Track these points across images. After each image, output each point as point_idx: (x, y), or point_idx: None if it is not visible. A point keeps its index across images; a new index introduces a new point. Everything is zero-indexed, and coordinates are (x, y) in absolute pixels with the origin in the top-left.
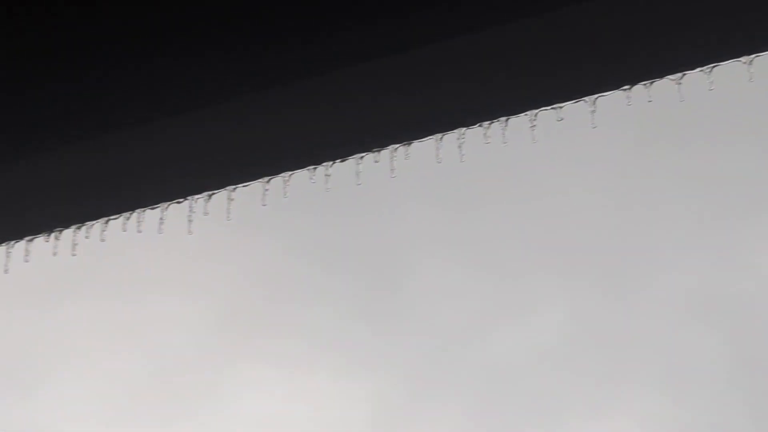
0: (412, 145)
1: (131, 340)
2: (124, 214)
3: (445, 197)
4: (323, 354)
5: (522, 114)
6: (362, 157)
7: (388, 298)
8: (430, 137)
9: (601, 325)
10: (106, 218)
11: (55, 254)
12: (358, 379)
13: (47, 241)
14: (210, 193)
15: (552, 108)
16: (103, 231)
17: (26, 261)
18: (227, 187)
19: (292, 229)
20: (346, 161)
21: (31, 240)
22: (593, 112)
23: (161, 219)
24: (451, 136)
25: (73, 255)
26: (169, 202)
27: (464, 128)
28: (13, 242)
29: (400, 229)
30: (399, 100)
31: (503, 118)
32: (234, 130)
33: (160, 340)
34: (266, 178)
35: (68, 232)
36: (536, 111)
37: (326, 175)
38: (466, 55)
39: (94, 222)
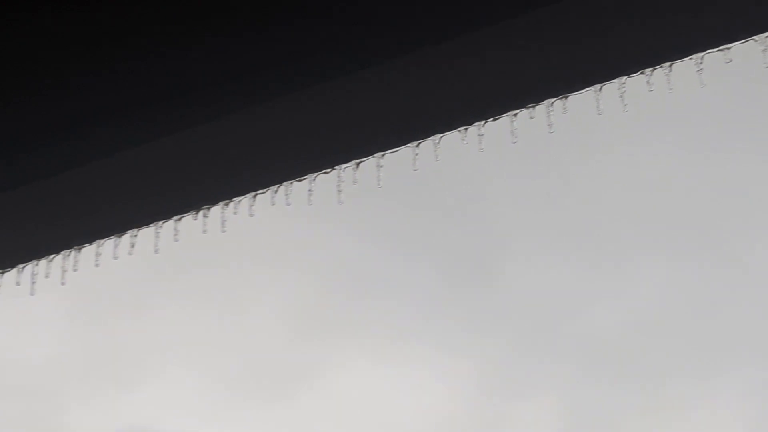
0: (499, 120)
1: (226, 332)
2: (206, 207)
3: (535, 171)
4: (420, 335)
5: (612, 81)
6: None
7: (482, 274)
8: (511, 113)
9: (699, 294)
10: (195, 211)
11: (156, 251)
12: (456, 359)
13: (131, 239)
14: (296, 180)
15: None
16: (175, 227)
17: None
18: (333, 167)
19: (383, 211)
20: (442, 137)
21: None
22: (668, 81)
23: (242, 210)
24: (540, 109)
25: (176, 241)
26: (241, 197)
27: (551, 99)
28: (116, 236)
29: (491, 206)
30: (487, 75)
31: (591, 88)
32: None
33: (255, 329)
34: (356, 161)
35: (166, 225)
36: (626, 78)
37: (416, 153)
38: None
39: (183, 215)
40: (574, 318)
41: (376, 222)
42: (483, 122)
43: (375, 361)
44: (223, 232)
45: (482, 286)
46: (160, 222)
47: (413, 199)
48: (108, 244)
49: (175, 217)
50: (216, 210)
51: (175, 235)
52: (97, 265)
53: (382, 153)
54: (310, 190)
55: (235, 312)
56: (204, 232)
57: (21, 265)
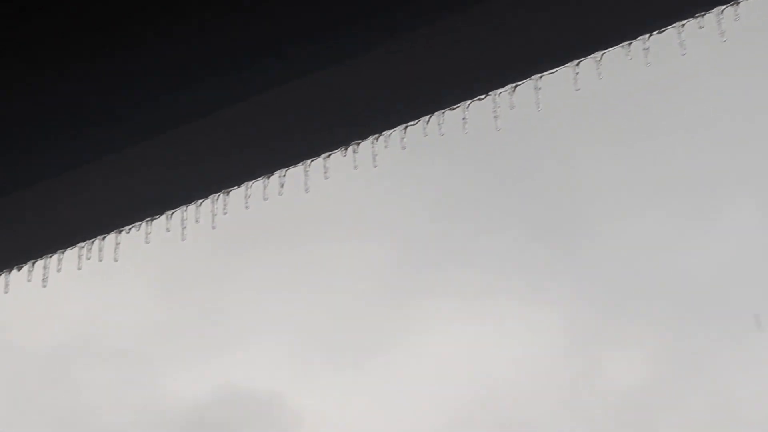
0: (581, 66)
1: (315, 293)
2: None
3: (617, 119)
4: (508, 290)
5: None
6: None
7: (569, 226)
8: (594, 55)
9: None
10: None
11: (247, 207)
12: (546, 312)
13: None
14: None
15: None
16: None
17: (225, 213)
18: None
19: (469, 158)
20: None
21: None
22: None
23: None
24: (618, 53)
25: (265, 200)
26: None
27: (628, 41)
28: (215, 195)
29: (577, 153)
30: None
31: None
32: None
33: (343, 290)
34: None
35: (258, 184)
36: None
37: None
38: None
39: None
40: (663, 266)
41: (462, 179)
42: (574, 63)
43: (464, 317)
44: (307, 191)
45: (570, 237)
46: (250, 182)
47: (499, 155)
48: (190, 210)
49: (258, 180)
50: (298, 172)
51: (247, 202)
52: (183, 238)
53: (468, 103)
54: (386, 146)
55: (323, 274)
56: (280, 194)
57: (116, 231)
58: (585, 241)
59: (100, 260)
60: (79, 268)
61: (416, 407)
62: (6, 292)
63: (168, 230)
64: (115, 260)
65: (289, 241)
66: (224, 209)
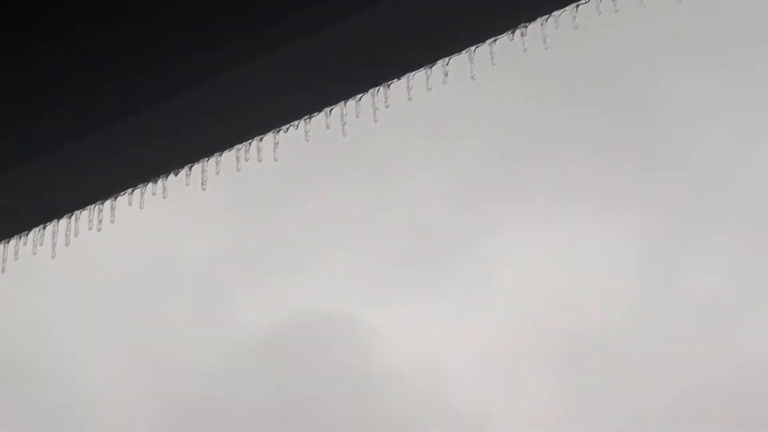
0: None
1: (388, 210)
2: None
3: (694, 37)
4: (583, 197)
5: None
6: None
7: (642, 135)
8: None
9: None
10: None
11: (307, 140)
12: (621, 218)
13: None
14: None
15: None
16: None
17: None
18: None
19: (536, 75)
20: None
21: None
22: None
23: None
24: None
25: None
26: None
27: None
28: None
29: (651, 69)
30: None
31: None
32: None
33: (416, 203)
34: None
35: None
36: None
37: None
38: None
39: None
40: (736, 178)
41: (534, 88)
42: None
43: (538, 225)
44: (387, 106)
45: (643, 152)
46: (329, 108)
47: (574, 63)
48: (268, 138)
49: (331, 107)
50: (367, 99)
51: (307, 135)
52: (260, 161)
53: (546, 17)
54: (471, 56)
55: (395, 189)
56: (357, 117)
57: (189, 166)
58: (658, 156)
59: (162, 198)
60: (137, 209)
61: (492, 323)
62: (89, 229)
63: (238, 159)
64: (186, 184)
65: (358, 166)
66: (275, 147)
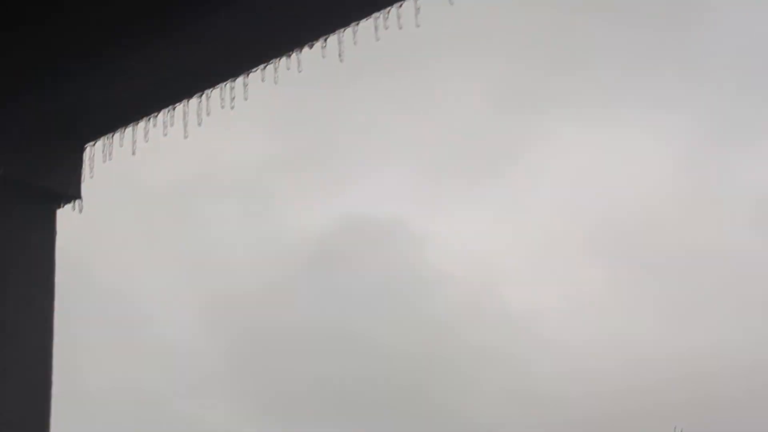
0: None
1: (432, 120)
2: None
3: None
4: (628, 96)
5: None
6: None
7: (689, 21)
8: None
9: None
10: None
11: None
12: (669, 114)
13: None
14: None
15: None
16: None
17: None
18: None
19: None
20: None
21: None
22: None
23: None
24: None
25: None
26: None
27: None
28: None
29: None
30: None
31: None
32: None
33: (458, 113)
34: None
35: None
36: None
37: None
38: None
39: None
40: None
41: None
42: None
43: (583, 129)
44: (417, 27)
45: (691, 33)
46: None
47: None
48: (316, 48)
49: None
50: (408, 5)
51: (355, 38)
52: (299, 72)
53: None
54: None
55: (442, 98)
56: (400, 29)
57: (232, 79)
58: (709, 36)
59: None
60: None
61: (540, 224)
62: (146, 141)
63: (288, 69)
64: (245, 99)
65: (404, 68)
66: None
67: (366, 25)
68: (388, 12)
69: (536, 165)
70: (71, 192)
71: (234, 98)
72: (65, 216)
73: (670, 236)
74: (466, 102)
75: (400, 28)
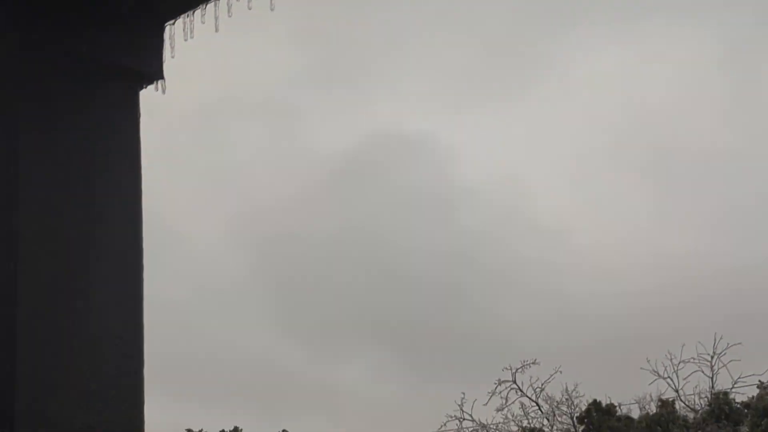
0: None
1: (462, 28)
2: None
3: None
4: (654, 10)
5: None
6: None
7: None
8: None
9: None
10: None
11: None
12: (699, 20)
13: None
14: None
15: None
16: None
17: None
18: None
19: None
20: None
21: None
22: None
23: None
24: None
25: None
26: None
27: None
28: None
29: None
30: None
31: None
32: None
33: (489, 24)
34: None
35: None
36: None
37: None
38: None
39: None
40: None
41: None
42: None
43: (618, 35)
44: None
45: None
46: None
47: None
48: None
49: None
50: None
51: None
52: None
53: None
54: None
55: (467, 12)
56: None
57: None
58: None
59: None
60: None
61: (571, 137)
62: (229, 16)
63: None
64: (249, 8)
65: None
66: None
67: None
68: None
69: (566, 76)
70: (153, 72)
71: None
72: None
73: (700, 142)
74: (494, 14)
75: None
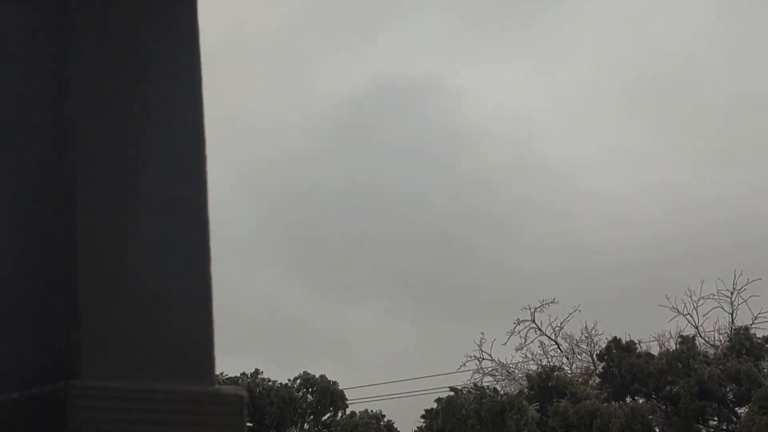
0: None
1: None
2: None
3: None
4: None
5: None
6: None
7: None
8: None
9: None
10: None
11: None
12: None
13: None
14: None
15: None
16: None
17: None
18: None
19: None
20: None
21: None
22: None
23: None
24: None
25: None
26: None
27: None
28: None
29: None
30: None
31: None
32: None
33: None
34: None
35: None
36: None
37: None
38: None
39: None
40: None
41: None
42: None
43: None
44: None
45: None
46: None
47: None
48: None
49: None
50: None
51: None
52: None
53: None
54: None
55: None
56: None
57: None
58: None
59: None
60: None
61: (578, 75)
62: None
63: None
64: None
65: None
66: None
67: None
68: None
69: (576, 15)
70: None
71: None
72: None
73: (711, 85)
74: None
75: None
